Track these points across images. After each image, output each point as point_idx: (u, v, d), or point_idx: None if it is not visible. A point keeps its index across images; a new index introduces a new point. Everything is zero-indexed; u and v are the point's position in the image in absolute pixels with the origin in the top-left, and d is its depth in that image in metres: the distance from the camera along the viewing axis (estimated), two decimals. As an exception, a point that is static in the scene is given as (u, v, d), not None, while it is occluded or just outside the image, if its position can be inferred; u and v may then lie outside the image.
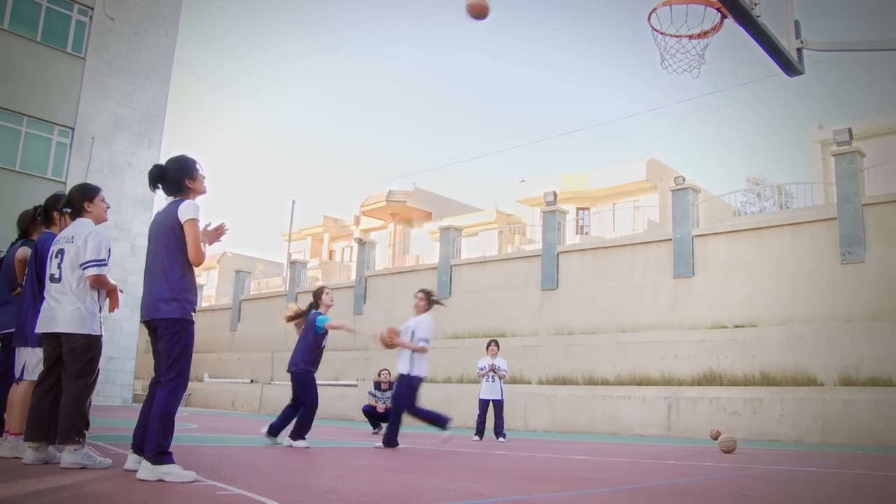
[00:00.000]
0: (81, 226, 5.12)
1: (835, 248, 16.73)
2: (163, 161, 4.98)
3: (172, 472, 4.22)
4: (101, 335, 5.04)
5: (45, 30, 21.61)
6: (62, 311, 4.92)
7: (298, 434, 8.31)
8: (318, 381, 8.79)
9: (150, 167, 4.95)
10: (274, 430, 8.49)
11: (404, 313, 26.26)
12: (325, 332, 8.73)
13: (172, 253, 4.56)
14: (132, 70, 23.48)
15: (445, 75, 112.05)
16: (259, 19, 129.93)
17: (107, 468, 4.75)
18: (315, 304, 8.94)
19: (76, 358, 4.88)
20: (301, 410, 8.44)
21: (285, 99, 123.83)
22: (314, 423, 8.85)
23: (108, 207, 5.41)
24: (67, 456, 4.72)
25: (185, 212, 4.57)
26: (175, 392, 4.47)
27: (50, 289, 5.04)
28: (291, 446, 8.11)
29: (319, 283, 8.29)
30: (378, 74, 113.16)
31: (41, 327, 4.99)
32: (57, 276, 5.02)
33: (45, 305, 5.02)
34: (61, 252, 5.06)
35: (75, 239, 5.04)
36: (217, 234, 4.89)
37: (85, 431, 4.80)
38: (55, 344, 4.99)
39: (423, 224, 40.57)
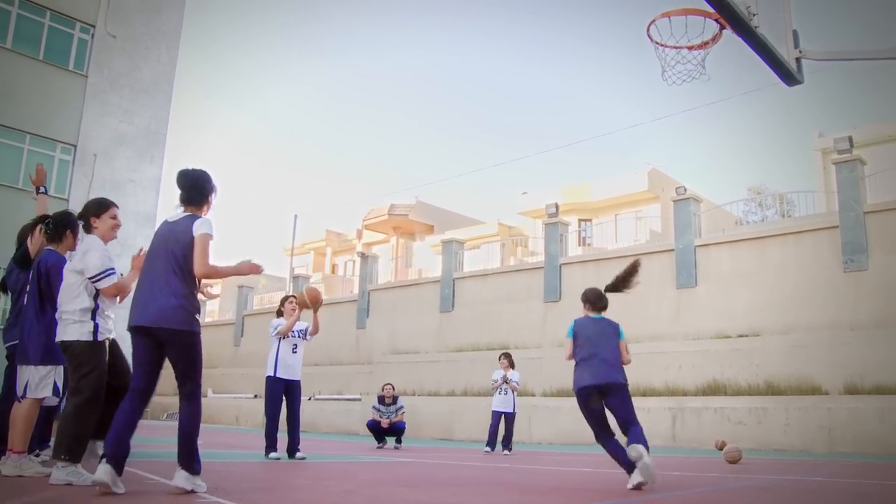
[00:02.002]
0: (84, 242, 5.27)
1: (837, 256, 16.72)
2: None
3: (201, 485, 4.52)
4: (100, 341, 5.11)
5: (47, 48, 21.69)
6: (67, 328, 5.08)
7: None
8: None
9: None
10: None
11: (408, 326, 26.29)
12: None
13: (180, 265, 4.60)
14: (134, 87, 23.55)
15: (446, 87, 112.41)
16: (259, 32, 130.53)
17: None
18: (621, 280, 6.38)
19: (72, 376, 5.02)
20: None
21: (286, 112, 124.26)
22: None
23: (116, 226, 5.40)
24: (55, 472, 4.79)
25: (200, 226, 4.65)
26: (197, 404, 4.66)
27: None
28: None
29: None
30: (379, 87, 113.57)
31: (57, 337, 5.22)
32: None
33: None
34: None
35: (74, 257, 5.22)
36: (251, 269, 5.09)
37: (77, 450, 4.82)
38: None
39: (425, 237, 40.59)
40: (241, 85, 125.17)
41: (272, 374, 9.19)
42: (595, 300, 6.41)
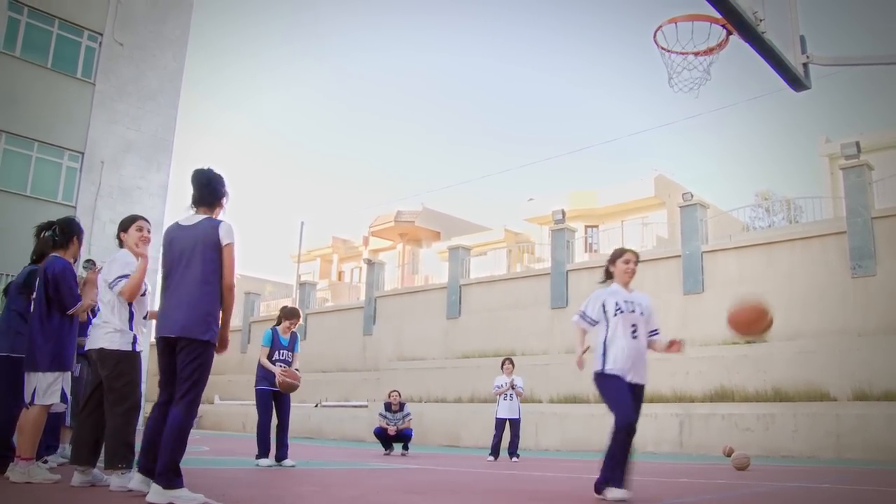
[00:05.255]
0: (112, 256, 5.41)
1: (845, 261, 16.66)
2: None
3: (182, 496, 4.24)
4: (137, 352, 5.25)
5: (55, 56, 21.78)
6: (97, 333, 5.19)
7: None
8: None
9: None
10: None
11: (414, 333, 26.24)
12: None
13: (206, 273, 4.57)
14: (141, 94, 23.63)
15: (452, 93, 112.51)
16: (265, 38, 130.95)
17: None
18: None
19: (112, 385, 5.09)
20: None
21: (292, 117, 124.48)
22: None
23: (143, 238, 5.44)
24: (115, 479, 4.89)
25: (226, 235, 4.63)
26: (192, 412, 4.49)
27: (94, 318, 5.39)
28: None
29: None
30: (385, 93, 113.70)
31: (87, 346, 5.32)
32: (96, 306, 5.43)
33: (90, 333, 5.35)
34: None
35: (104, 270, 5.35)
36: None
37: (130, 457, 4.93)
38: (97, 370, 5.25)
39: (431, 244, 40.60)
40: (247, 91, 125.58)
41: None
42: None
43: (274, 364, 9.19)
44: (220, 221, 4.70)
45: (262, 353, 9.30)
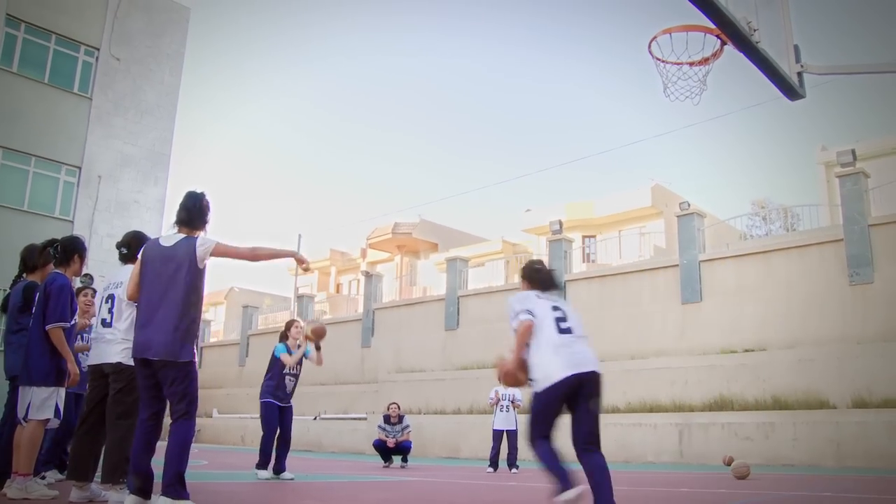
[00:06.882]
0: (129, 271, 5.27)
1: (843, 269, 16.68)
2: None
3: None
4: None
5: (52, 71, 21.82)
6: (113, 349, 5.15)
7: None
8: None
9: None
10: None
11: (413, 345, 26.11)
12: None
13: (187, 295, 4.57)
14: (138, 109, 23.67)
15: (449, 105, 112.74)
16: (261, 52, 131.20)
17: None
18: None
19: (122, 399, 5.05)
20: None
21: (288, 130, 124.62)
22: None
23: None
24: (114, 495, 4.86)
25: (203, 243, 4.68)
26: (192, 425, 4.53)
27: (102, 333, 5.29)
28: None
29: None
30: (381, 105, 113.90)
31: (91, 361, 5.32)
32: (108, 320, 5.28)
33: (94, 348, 5.35)
34: (111, 297, 5.33)
35: (124, 283, 5.21)
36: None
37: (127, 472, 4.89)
38: (102, 385, 5.21)
39: (429, 255, 40.59)
40: (243, 104, 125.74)
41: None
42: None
43: (283, 378, 9.02)
44: (195, 238, 4.72)
45: (285, 358, 9.05)
